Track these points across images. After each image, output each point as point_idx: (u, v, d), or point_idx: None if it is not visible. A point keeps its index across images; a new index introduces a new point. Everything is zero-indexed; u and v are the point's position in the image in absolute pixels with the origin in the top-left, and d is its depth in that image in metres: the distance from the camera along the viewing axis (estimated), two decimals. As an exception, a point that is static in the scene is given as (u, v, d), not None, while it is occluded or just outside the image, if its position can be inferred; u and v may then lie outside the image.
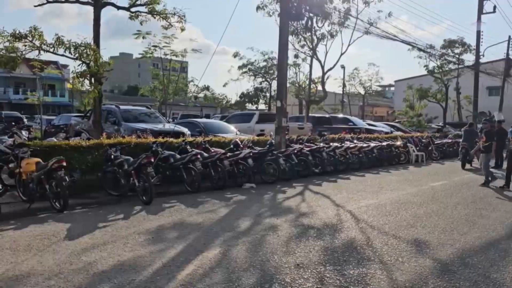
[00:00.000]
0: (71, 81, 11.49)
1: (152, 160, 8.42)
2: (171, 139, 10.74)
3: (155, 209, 7.55)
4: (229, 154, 10.49)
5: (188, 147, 10.38)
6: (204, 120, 18.90)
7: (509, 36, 34.22)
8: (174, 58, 19.50)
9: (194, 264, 4.80)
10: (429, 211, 7.89)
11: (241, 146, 11.47)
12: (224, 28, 41.57)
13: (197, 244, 5.57)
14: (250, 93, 43.84)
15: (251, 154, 10.93)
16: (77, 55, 10.68)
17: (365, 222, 6.94)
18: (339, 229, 6.43)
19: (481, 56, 28.10)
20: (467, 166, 15.74)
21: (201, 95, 49.50)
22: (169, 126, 13.65)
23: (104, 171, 9.00)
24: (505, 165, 16.22)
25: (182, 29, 13.38)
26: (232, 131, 15.27)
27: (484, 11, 26.27)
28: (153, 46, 16.15)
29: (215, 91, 48.30)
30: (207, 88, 50.46)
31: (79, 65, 10.92)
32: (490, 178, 11.39)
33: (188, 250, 5.29)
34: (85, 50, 10.66)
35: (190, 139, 11.55)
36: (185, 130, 13.46)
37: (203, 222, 6.75)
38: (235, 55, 37.10)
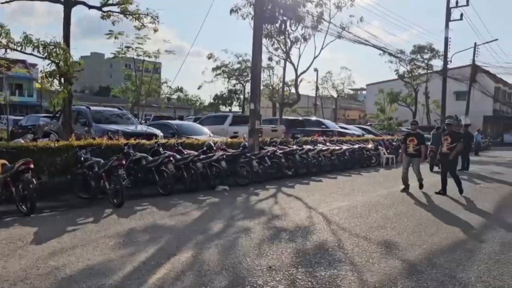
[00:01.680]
0: (39, 81, 11.17)
1: (124, 162, 8.30)
2: (143, 141, 10.60)
3: (126, 212, 7.43)
4: (202, 156, 10.45)
5: (161, 149, 10.27)
6: (177, 122, 18.73)
7: (475, 43, 35.49)
8: (147, 59, 19.23)
9: (166, 267, 4.75)
10: (398, 213, 8.07)
11: (215, 148, 11.42)
12: (198, 30, 41.39)
13: (169, 247, 5.51)
14: (224, 95, 43.85)
15: (224, 156, 10.92)
16: (45, 54, 10.38)
17: (336, 224, 7.03)
18: (311, 231, 6.49)
19: (449, 62, 29.01)
20: (435, 168, 16.16)
21: (175, 96, 49.15)
22: (141, 128, 13.48)
23: (74, 173, 8.81)
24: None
25: (155, 30, 13.22)
26: (205, 133, 15.22)
27: (452, 19, 27.15)
28: (126, 46, 15.89)
29: (189, 93, 48.12)
30: (180, 89, 50.15)
31: (48, 64, 10.61)
32: (405, 184, 10.72)
33: (160, 254, 5.23)
34: (54, 49, 10.37)
35: (163, 141, 11.43)
36: (158, 131, 13.32)
37: (176, 225, 6.69)
38: (209, 57, 37.03)
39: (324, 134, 19.50)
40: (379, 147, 18.25)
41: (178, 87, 49.40)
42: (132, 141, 10.25)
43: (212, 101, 46.38)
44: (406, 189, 10.69)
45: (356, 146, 17.02)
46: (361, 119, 56.76)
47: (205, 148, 11.18)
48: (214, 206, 8.36)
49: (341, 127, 26.04)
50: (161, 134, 13.34)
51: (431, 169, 15.90)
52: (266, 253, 5.36)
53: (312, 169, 13.84)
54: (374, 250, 5.61)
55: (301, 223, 7.02)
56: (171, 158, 9.63)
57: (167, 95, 43.74)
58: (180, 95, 50.19)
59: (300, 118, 27.43)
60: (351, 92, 68.30)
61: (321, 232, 6.46)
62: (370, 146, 17.75)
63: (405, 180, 10.76)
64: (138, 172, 9.46)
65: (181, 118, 33.40)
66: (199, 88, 61.67)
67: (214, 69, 38.98)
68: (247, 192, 10.05)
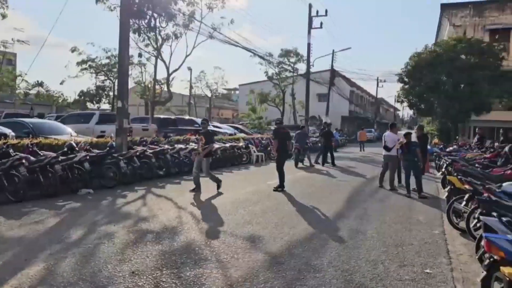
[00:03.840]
0: None
1: (-40, 166, 7.19)
2: (-12, 142, 9.34)
3: (-36, 224, 6.44)
4: (61, 158, 9.60)
5: (11, 150, 9.15)
6: (33, 120, 16.88)
7: (333, 50, 39.15)
8: (-5, 48, 16.93)
9: (11, 284, 4.21)
10: (264, 208, 8.44)
11: (77, 148, 10.62)
12: (56, 18, 37.99)
13: (16, 261, 4.91)
14: (92, 91, 41.04)
15: (88, 157, 10.21)
16: None
17: (205, 223, 7.07)
18: (179, 232, 6.41)
19: (312, 66, 31.40)
20: (299, 164, 17.39)
21: (34, 91, 44.34)
22: (-13, 127, 11.86)
23: None
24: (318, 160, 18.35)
25: (4, 16, 11.73)
26: (67, 133, 14.03)
27: (313, 26, 29.42)
28: (-34, 33, 13.72)
29: (51, 88, 43.86)
30: (40, 84, 45.42)
31: None
32: (197, 184, 10.32)
33: (4, 269, 4.63)
34: None
35: (14, 141, 10.22)
36: (8, 131, 11.88)
37: (26, 235, 6.01)
38: (73, 50, 34.27)
39: (197, 133, 19.49)
40: (250, 145, 18.92)
41: (37, 81, 44.62)
42: (-27, 142, 8.96)
43: (77, 97, 42.98)
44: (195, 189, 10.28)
45: (228, 144, 17.39)
46: (234, 118, 58.34)
47: (65, 149, 10.32)
48: (75, 212, 7.74)
49: (215, 126, 26.38)
50: (13, 134, 11.92)
51: (296, 165, 17.04)
52: (130, 258, 5.12)
53: (184, 168, 13.72)
54: (239, 246, 5.77)
55: (169, 223, 6.89)
56: (24, 161, 8.67)
57: (23, 90, 39.24)
58: (40, 91, 45.44)
59: (173, 117, 27.11)
60: (225, 91, 69.70)
61: (189, 232, 6.42)
62: (241, 144, 18.29)
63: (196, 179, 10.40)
64: (-19, 177, 8.28)
65: (41, 116, 30.23)
66: (61, 83, 56.44)
67: (79, 63, 36.18)
68: (113, 194, 9.53)
